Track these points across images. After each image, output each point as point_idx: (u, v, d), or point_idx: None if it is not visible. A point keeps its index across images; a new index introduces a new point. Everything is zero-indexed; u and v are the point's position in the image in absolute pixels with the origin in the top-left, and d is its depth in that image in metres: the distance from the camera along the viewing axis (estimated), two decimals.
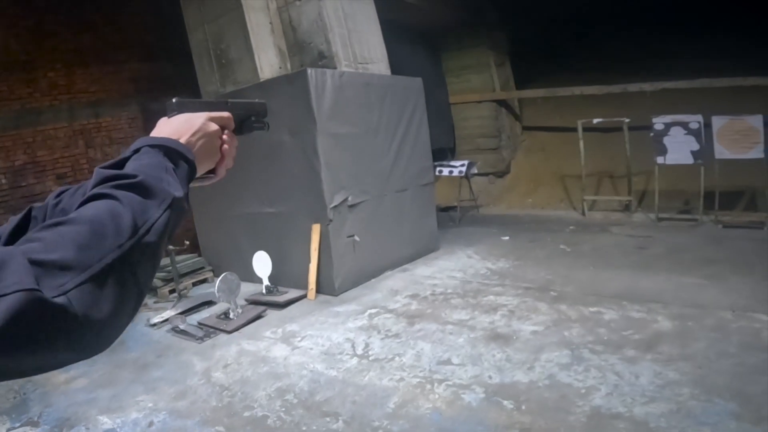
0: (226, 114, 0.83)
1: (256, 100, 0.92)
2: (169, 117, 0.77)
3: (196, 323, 4.27)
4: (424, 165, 5.76)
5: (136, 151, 0.67)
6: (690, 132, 6.59)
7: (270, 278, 4.76)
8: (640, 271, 4.64)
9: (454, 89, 9.39)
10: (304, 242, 4.64)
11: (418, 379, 3.02)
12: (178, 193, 0.62)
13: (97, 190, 0.57)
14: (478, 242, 6.25)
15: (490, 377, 2.97)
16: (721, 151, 6.38)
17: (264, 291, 4.71)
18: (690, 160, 6.56)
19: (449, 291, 4.54)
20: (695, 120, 6.55)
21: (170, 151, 0.69)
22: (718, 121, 6.41)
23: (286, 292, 4.65)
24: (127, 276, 0.53)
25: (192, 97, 0.81)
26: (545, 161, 8.84)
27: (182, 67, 5.57)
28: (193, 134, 0.76)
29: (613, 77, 8.09)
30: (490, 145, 9.16)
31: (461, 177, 7.74)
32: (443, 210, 7.85)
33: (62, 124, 5.77)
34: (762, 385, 2.59)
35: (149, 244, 0.56)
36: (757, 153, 6.24)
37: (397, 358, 3.32)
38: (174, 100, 0.77)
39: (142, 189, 0.58)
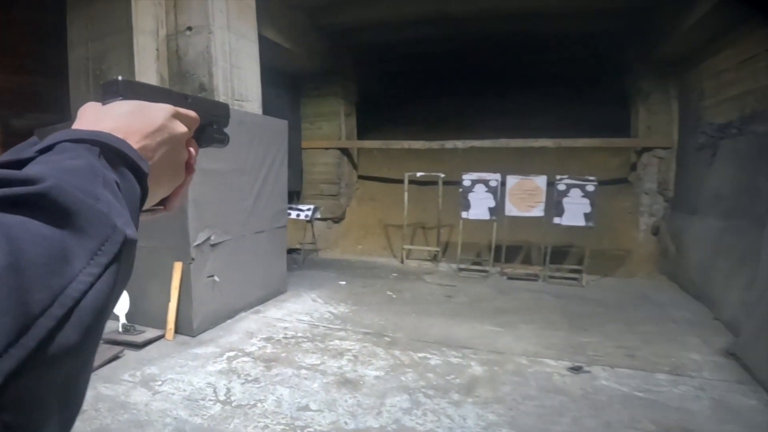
0: (192, 113, 0.57)
1: (220, 101, 0.69)
2: (104, 103, 0.50)
3: None
4: (281, 208, 5.94)
5: (47, 149, 0.39)
6: (490, 189, 7.25)
7: (127, 316, 4.38)
8: (452, 319, 5.21)
9: (307, 135, 9.70)
10: (164, 280, 4.39)
11: (281, 427, 3.13)
12: (129, 229, 0.35)
13: None
14: (320, 286, 6.56)
15: (345, 423, 3.18)
16: (510, 209, 7.11)
17: (120, 329, 4.32)
18: (487, 216, 7.24)
19: (299, 335, 4.74)
20: (494, 178, 7.26)
21: (111, 151, 0.41)
22: (511, 180, 7.14)
23: (143, 332, 4.35)
24: None
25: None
26: (374, 210, 9.58)
27: (56, 85, 4.87)
28: (151, 135, 0.49)
29: (436, 133, 9.04)
30: (331, 191, 9.64)
31: (306, 221, 7.98)
32: (288, 252, 7.97)
33: None
34: (562, 426, 3.09)
35: (60, 356, 0.27)
36: (538, 212, 7.00)
37: (259, 404, 3.40)
38: (120, 78, 0.51)
39: (53, 209, 0.31)
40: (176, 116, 0.53)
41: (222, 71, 4.82)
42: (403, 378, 3.82)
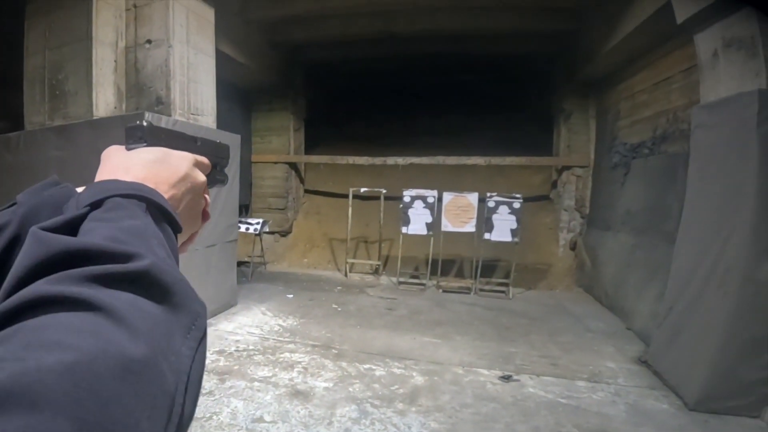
0: (206, 160, 0.59)
1: (219, 141, 0.67)
2: (128, 147, 0.52)
3: None
4: (231, 222, 5.97)
5: (96, 205, 0.40)
6: (427, 205, 7.48)
7: None
8: (393, 331, 5.38)
9: (257, 148, 9.67)
10: None
11: None
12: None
13: (54, 288, 0.28)
14: (269, 299, 6.60)
15: None
16: (446, 225, 7.35)
17: None
18: (425, 232, 7.47)
19: (251, 347, 4.79)
20: (432, 195, 7.48)
21: (155, 207, 0.43)
22: (446, 197, 7.39)
23: None
24: None
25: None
26: (319, 224, 9.67)
27: (8, 94, 4.64)
28: (177, 184, 0.51)
29: (378, 149, 9.28)
30: (279, 205, 9.65)
31: (255, 234, 7.95)
32: (237, 265, 7.78)
33: None
34: (497, 431, 3.34)
35: (185, 424, 0.31)
36: (470, 227, 7.25)
37: (215, 417, 3.44)
38: (144, 123, 0.52)
39: (154, 286, 0.33)
40: (196, 165, 0.55)
41: (179, 85, 4.84)
42: (350, 389, 3.95)
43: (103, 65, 4.46)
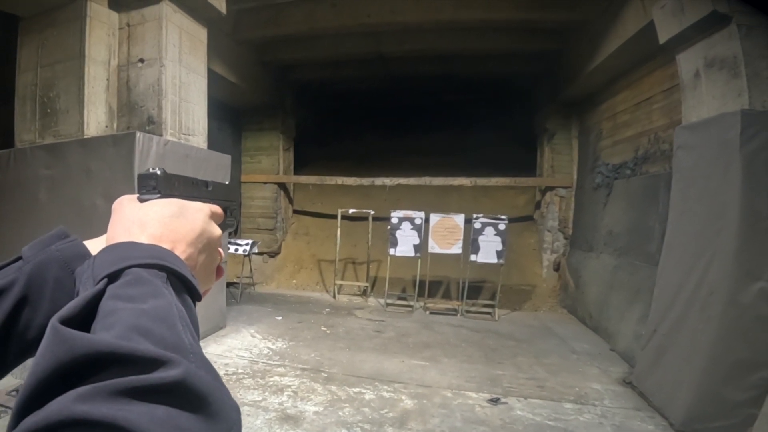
0: (220, 210, 0.57)
1: (226, 183, 0.64)
2: (140, 197, 0.49)
3: None
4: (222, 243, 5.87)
5: (114, 276, 0.38)
6: (415, 227, 7.45)
7: None
8: (381, 354, 5.36)
9: (246, 168, 9.64)
10: None
11: None
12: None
13: (85, 408, 0.27)
14: (258, 321, 6.51)
15: None
16: (433, 246, 7.31)
17: None
18: (412, 253, 7.43)
19: (240, 371, 4.71)
20: (419, 216, 7.47)
21: (175, 276, 0.42)
22: (434, 218, 7.35)
23: None
24: None
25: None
26: (308, 245, 9.63)
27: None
28: (194, 241, 0.48)
29: (365, 169, 9.33)
30: (268, 225, 9.59)
31: (244, 255, 7.87)
32: (226, 286, 7.69)
33: None
34: None
35: None
36: (456, 249, 7.23)
37: None
38: (158, 171, 0.50)
39: (189, 396, 0.31)
40: (212, 217, 0.53)
41: (171, 104, 4.82)
42: (340, 413, 3.92)
43: (95, 83, 4.43)
